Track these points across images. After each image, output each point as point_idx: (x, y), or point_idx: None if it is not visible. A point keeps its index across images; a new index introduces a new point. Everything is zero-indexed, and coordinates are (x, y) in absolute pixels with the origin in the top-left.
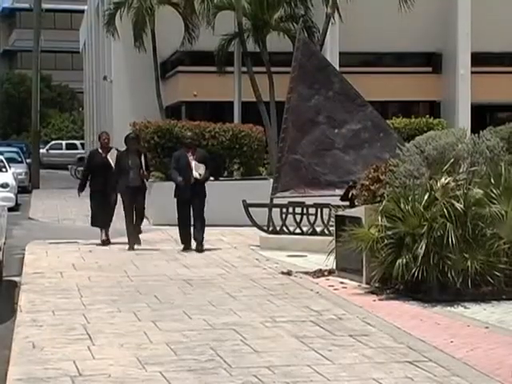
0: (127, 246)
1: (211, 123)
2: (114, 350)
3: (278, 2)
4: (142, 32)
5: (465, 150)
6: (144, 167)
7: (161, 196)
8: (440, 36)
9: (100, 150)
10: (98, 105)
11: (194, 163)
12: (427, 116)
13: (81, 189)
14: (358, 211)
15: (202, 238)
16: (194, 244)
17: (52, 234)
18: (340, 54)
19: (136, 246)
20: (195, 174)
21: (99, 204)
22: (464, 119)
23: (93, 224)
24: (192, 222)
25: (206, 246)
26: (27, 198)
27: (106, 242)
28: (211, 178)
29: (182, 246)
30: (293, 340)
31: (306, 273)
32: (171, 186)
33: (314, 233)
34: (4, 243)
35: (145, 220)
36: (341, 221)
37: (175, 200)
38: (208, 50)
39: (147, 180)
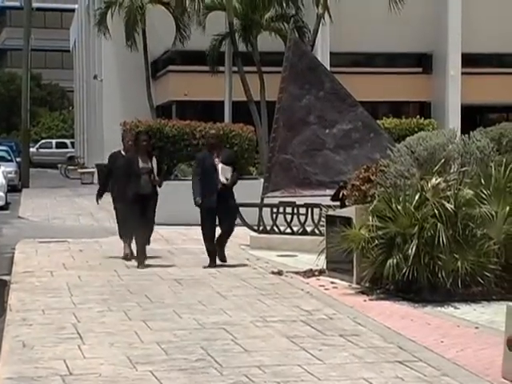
0: (137, 263)
1: (202, 123)
2: (105, 349)
3: (268, 2)
4: (134, 31)
5: (455, 150)
6: (156, 172)
7: None
8: (430, 37)
9: (123, 153)
10: (88, 104)
11: (220, 166)
12: (418, 116)
13: (100, 195)
14: (349, 211)
15: (224, 253)
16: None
17: (42, 233)
18: (331, 54)
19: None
20: (222, 178)
21: (126, 213)
22: (454, 120)
23: (122, 236)
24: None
25: (197, 246)
26: (17, 197)
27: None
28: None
29: (207, 263)
30: (283, 340)
31: (297, 273)
32: (162, 185)
33: (305, 233)
34: None
35: None
36: (331, 221)
37: (199, 209)
38: (199, 49)
39: (160, 187)
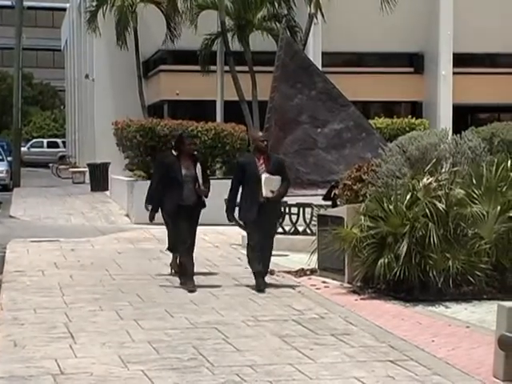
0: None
1: (193, 122)
2: (96, 348)
3: (260, 2)
4: (125, 30)
5: (447, 150)
6: (201, 179)
7: (142, 195)
8: (422, 37)
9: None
10: (79, 103)
11: (264, 176)
12: (409, 116)
13: (151, 203)
14: (341, 211)
15: (267, 271)
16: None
17: (33, 233)
18: (322, 53)
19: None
20: (265, 191)
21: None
22: (446, 120)
23: (174, 250)
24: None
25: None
26: (8, 196)
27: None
28: None
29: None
30: (275, 339)
31: (289, 272)
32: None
33: (297, 232)
34: None
35: (126, 218)
36: (323, 220)
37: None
38: (190, 49)
39: (206, 197)
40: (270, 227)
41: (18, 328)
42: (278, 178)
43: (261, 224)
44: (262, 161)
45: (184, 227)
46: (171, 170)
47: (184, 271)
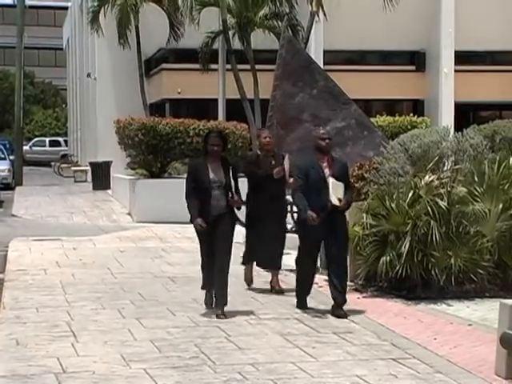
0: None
1: (195, 120)
2: (98, 347)
3: (262, 0)
4: (126, 29)
5: (449, 148)
6: (234, 187)
7: (144, 193)
8: (424, 34)
9: (258, 151)
10: (81, 102)
11: (331, 181)
12: (411, 114)
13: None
14: None
15: (345, 298)
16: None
17: (35, 231)
18: (324, 51)
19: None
20: (333, 198)
21: (263, 235)
22: (447, 117)
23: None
24: (326, 270)
25: (191, 244)
26: (10, 195)
27: (278, 291)
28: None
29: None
30: (277, 337)
31: (291, 270)
32: (156, 183)
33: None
34: None
35: (128, 217)
36: None
37: (297, 235)
38: (192, 47)
39: (239, 209)
40: (340, 241)
41: (20, 327)
42: (341, 185)
43: (327, 238)
44: (325, 163)
45: (206, 243)
46: (197, 175)
47: (204, 287)
